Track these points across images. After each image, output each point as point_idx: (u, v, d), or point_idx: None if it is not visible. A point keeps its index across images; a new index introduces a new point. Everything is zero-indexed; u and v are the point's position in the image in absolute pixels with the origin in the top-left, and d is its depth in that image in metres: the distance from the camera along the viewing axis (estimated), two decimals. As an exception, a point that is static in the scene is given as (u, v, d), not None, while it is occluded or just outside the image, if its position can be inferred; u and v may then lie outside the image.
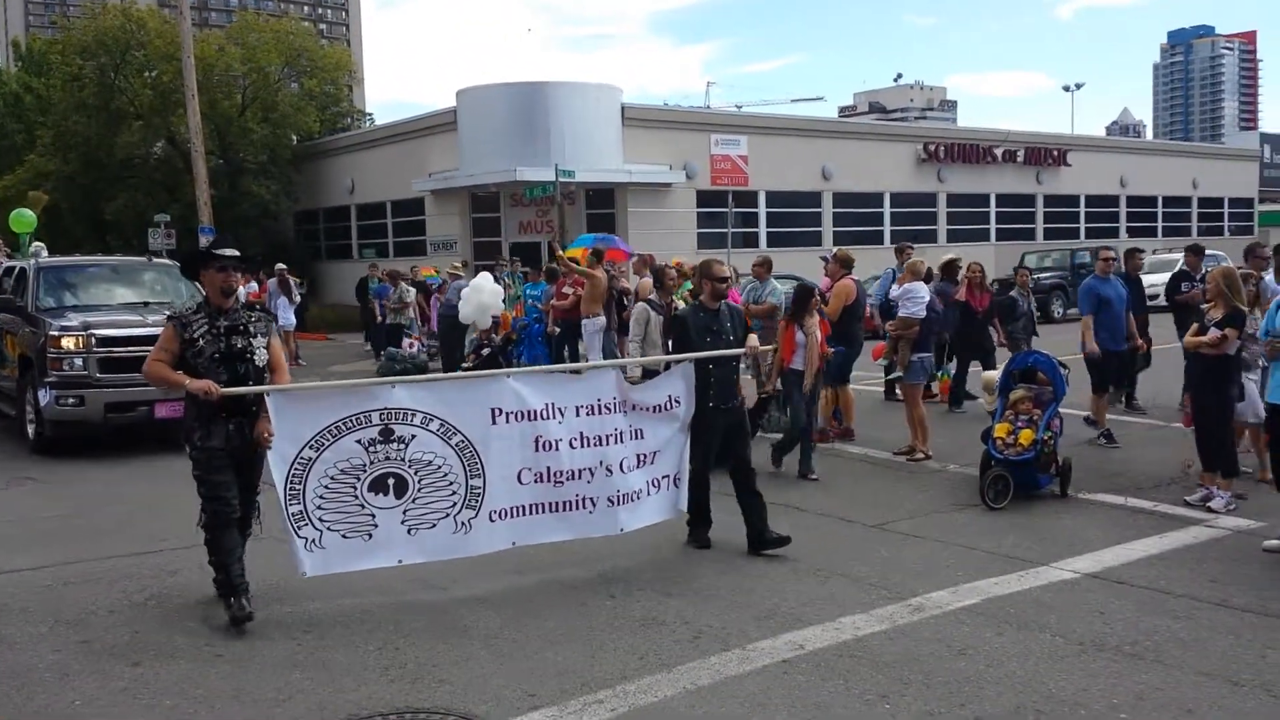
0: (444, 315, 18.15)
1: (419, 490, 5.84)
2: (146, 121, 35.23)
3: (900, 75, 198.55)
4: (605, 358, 14.72)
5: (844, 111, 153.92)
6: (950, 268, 13.07)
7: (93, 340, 10.58)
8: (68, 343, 10.53)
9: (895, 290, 12.42)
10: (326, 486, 5.65)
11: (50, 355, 10.51)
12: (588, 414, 6.30)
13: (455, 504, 5.94)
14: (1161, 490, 8.56)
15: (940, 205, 35.64)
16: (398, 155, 31.46)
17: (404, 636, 5.48)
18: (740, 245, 27.05)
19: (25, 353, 11.21)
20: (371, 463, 5.71)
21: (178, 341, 5.62)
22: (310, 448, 5.61)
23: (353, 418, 5.68)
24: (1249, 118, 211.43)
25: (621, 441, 6.42)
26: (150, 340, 10.15)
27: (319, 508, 5.65)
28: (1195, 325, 8.17)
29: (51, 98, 36.90)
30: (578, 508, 6.32)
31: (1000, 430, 8.51)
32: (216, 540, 5.70)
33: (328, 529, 5.68)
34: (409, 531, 5.84)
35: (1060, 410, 8.75)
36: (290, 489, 5.58)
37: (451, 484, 5.90)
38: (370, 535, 5.77)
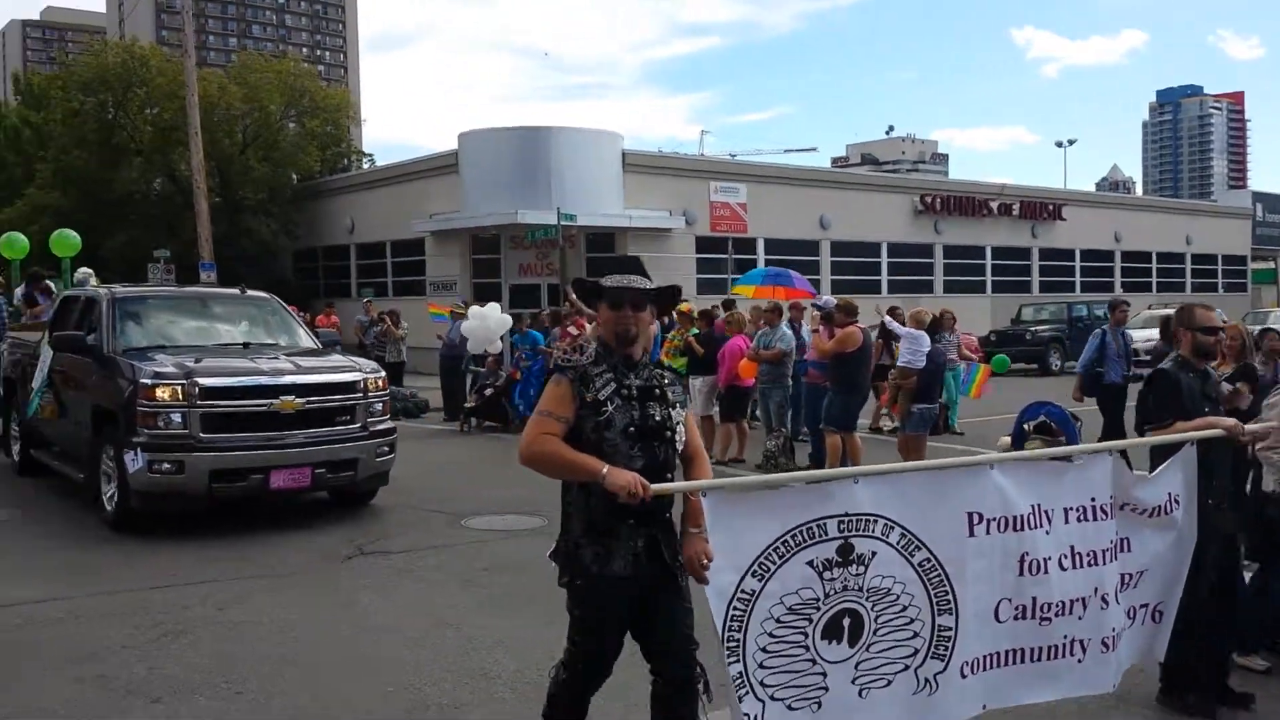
0: (445, 356, 18.13)
1: (874, 633, 3.98)
2: (146, 158, 35.43)
3: (892, 128, 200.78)
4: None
5: (836, 162, 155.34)
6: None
7: (196, 391, 8.48)
8: (163, 394, 8.42)
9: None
10: (772, 634, 3.78)
11: (141, 409, 8.37)
12: (1079, 519, 4.44)
13: (917, 652, 4.05)
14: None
15: (937, 256, 35.85)
16: (398, 196, 31.57)
17: (425, 678, 5.40)
18: (739, 292, 27.12)
19: (102, 405, 9.15)
20: (826, 595, 3.86)
21: (575, 405, 3.70)
22: (753, 575, 3.74)
23: (805, 528, 3.82)
24: (1238, 176, 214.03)
25: (1115, 558, 4.57)
26: (266, 393, 8.69)
27: (761, 665, 3.76)
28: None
29: (51, 132, 37.05)
30: (1065, 654, 4.39)
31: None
32: (572, 704, 4.00)
33: (771, 698, 3.80)
34: (860, 693, 4.01)
35: None
36: (729, 638, 3.71)
37: (912, 622, 4.04)
38: (819, 705, 3.90)
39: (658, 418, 3.76)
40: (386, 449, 9.41)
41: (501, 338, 18.15)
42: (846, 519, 3.86)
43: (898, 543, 3.97)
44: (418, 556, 7.99)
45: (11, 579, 7.22)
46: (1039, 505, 4.29)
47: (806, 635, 3.82)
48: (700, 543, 3.64)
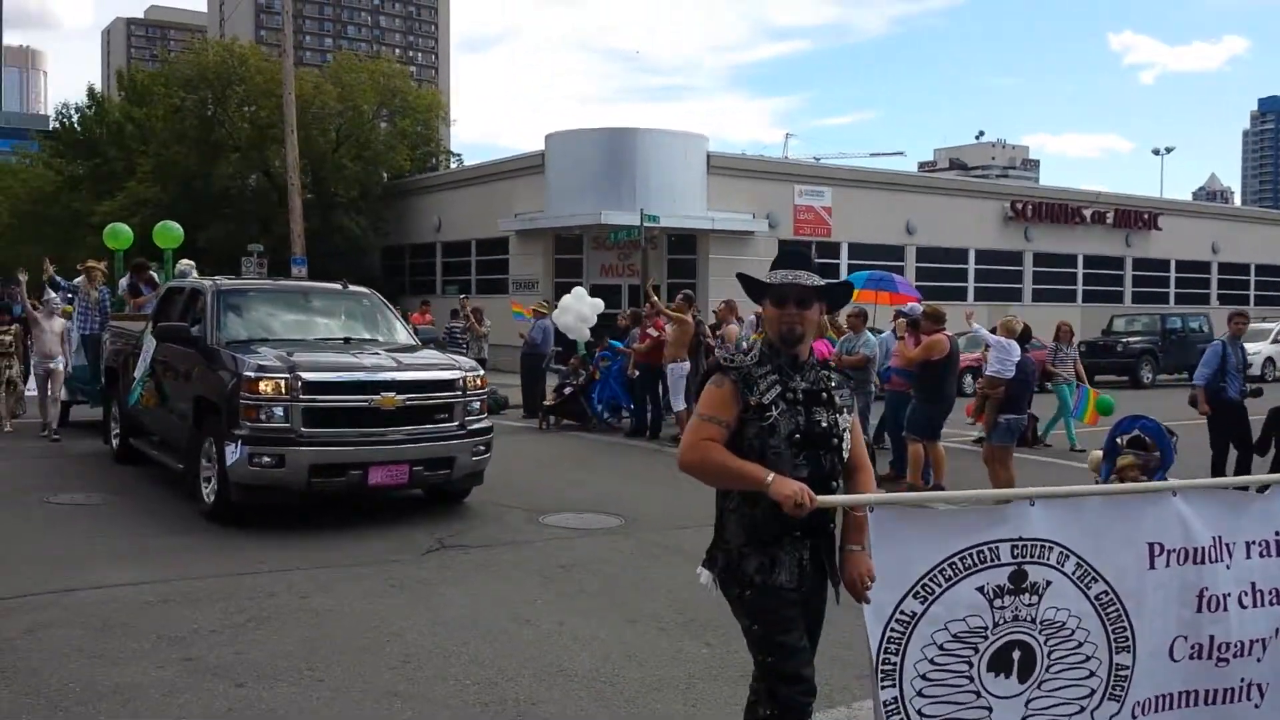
0: (526, 354, 18.27)
1: (1047, 669, 3.71)
2: (244, 154, 36.34)
3: (983, 133, 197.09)
4: (689, 403, 14.68)
5: (924, 167, 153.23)
6: None
7: (298, 385, 8.43)
8: (266, 387, 8.39)
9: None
10: (933, 661, 3.56)
11: (244, 401, 8.40)
12: (1261, 554, 4.10)
13: (1093, 693, 3.78)
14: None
15: (1026, 264, 35.16)
16: (484, 195, 31.97)
17: (502, 673, 5.43)
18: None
19: (205, 396, 9.22)
20: (995, 624, 3.61)
21: (737, 407, 3.44)
22: (915, 596, 3.54)
23: (976, 550, 3.59)
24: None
25: None
26: (366, 388, 8.64)
27: (920, 693, 3.55)
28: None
29: (153, 128, 38.18)
30: (1242, 698, 4.07)
31: (1105, 495, 8.25)
32: None
33: None
34: None
35: None
36: (884, 662, 3.50)
37: (1087, 659, 3.76)
38: None
39: (824, 424, 3.49)
40: (483, 448, 9.34)
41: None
42: (1021, 544, 3.62)
43: (1073, 573, 3.70)
44: (497, 552, 8.06)
45: (107, 562, 7.45)
46: (1220, 537, 3.98)
47: (971, 665, 3.58)
48: (864, 561, 3.45)
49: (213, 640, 5.82)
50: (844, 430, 3.53)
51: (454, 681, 5.31)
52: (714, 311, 16.71)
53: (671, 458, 14.19)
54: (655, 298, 16.07)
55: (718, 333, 14.82)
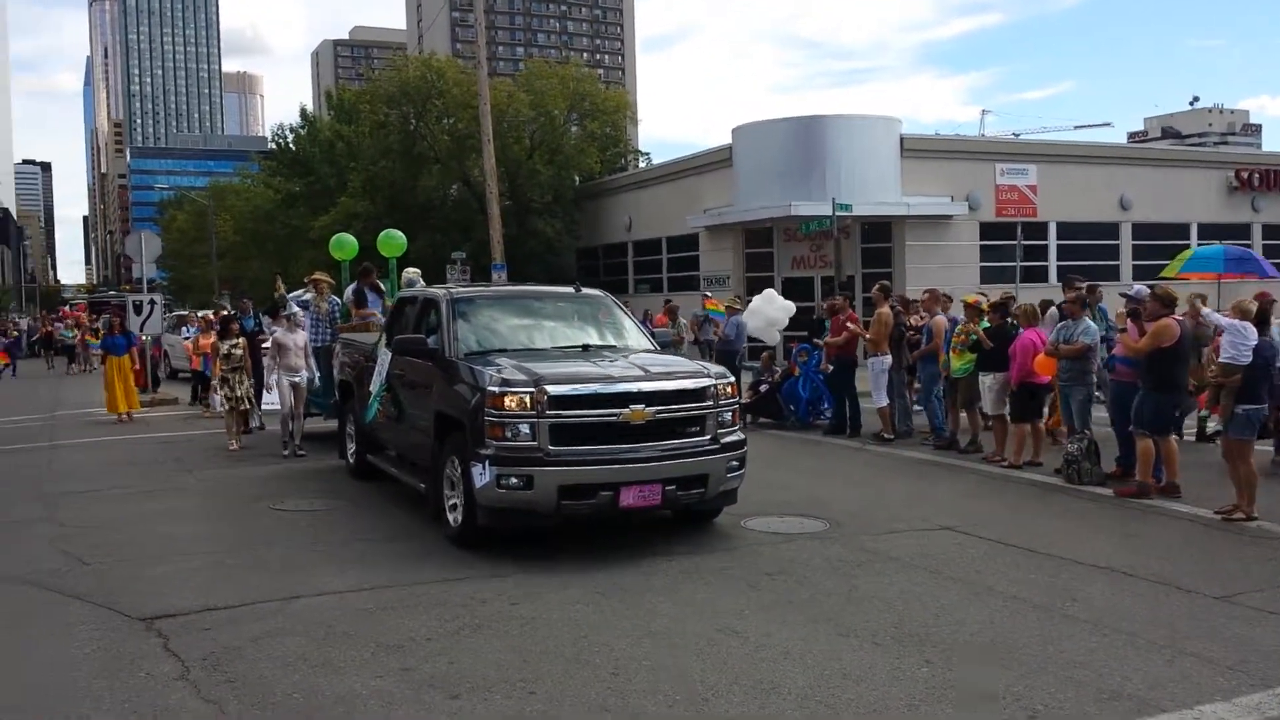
0: (721, 351, 18.13)
1: None
2: (444, 165, 37.74)
3: (1197, 98, 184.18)
4: (892, 398, 14.21)
5: (1134, 138, 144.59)
6: None
7: (544, 399, 7.81)
8: (511, 403, 7.80)
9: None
10: None
11: (489, 419, 7.84)
12: None
13: None
14: None
15: (1255, 237, 32.55)
16: (673, 192, 32.06)
17: (712, 689, 5.29)
18: (1026, 280, 25.66)
19: (446, 412, 8.69)
20: None
21: None
22: None
23: None
24: None
25: None
26: (615, 401, 7.88)
27: None
28: None
29: (360, 144, 40.09)
30: None
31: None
32: None
33: None
34: None
35: None
36: None
37: None
38: None
39: None
40: (736, 464, 8.53)
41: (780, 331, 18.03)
42: None
43: None
44: (701, 558, 7.93)
45: (329, 568, 7.74)
46: None
47: None
48: None
49: (428, 649, 5.91)
50: None
51: (663, 696, 5.20)
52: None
53: (874, 455, 13.63)
54: (853, 326, 15.20)
55: (923, 324, 14.26)
